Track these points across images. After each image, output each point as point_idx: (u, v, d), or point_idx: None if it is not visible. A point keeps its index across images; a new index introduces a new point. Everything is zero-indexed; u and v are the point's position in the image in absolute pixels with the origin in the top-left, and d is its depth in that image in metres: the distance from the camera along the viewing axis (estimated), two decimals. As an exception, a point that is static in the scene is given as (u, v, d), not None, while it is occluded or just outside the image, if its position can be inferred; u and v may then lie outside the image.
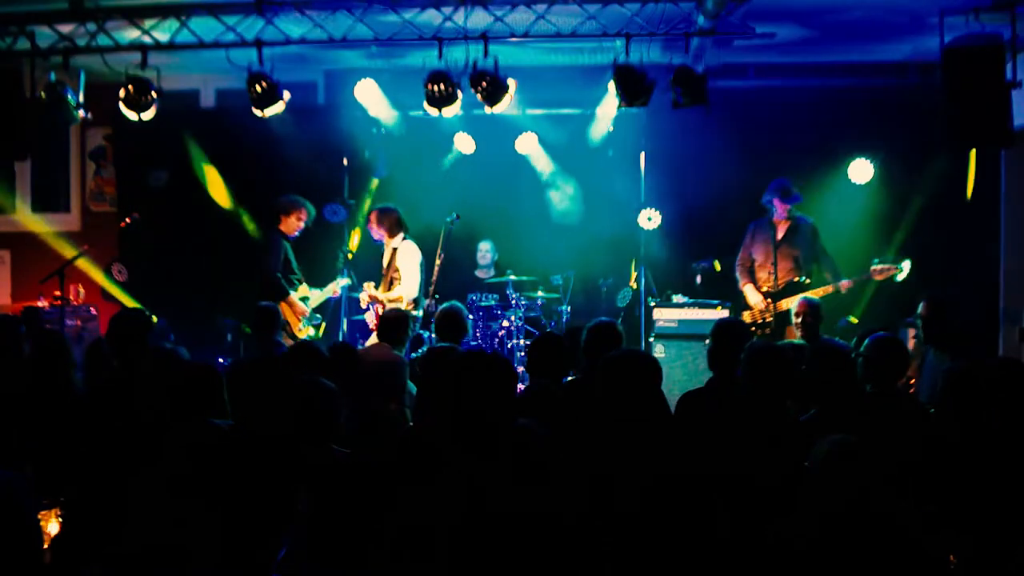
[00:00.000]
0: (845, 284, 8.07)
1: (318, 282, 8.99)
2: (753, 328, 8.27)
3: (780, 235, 8.39)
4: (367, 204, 10.03)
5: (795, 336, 7.56)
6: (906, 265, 7.96)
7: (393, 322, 6.74)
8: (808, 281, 8.25)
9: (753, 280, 8.47)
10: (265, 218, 8.80)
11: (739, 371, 4.65)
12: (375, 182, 10.22)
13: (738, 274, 8.63)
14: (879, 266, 7.99)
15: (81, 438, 4.23)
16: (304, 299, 8.70)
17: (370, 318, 8.68)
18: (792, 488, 3.61)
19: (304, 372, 4.40)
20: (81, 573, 3.75)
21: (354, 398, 4.97)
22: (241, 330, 9.24)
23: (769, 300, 8.30)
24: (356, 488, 3.64)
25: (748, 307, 8.44)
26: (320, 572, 3.63)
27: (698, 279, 9.20)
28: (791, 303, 8.08)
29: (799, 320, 7.06)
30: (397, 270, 8.58)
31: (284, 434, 3.88)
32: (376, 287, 8.58)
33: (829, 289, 8.10)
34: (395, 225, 8.63)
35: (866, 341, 4.94)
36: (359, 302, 8.86)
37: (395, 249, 8.66)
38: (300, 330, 8.53)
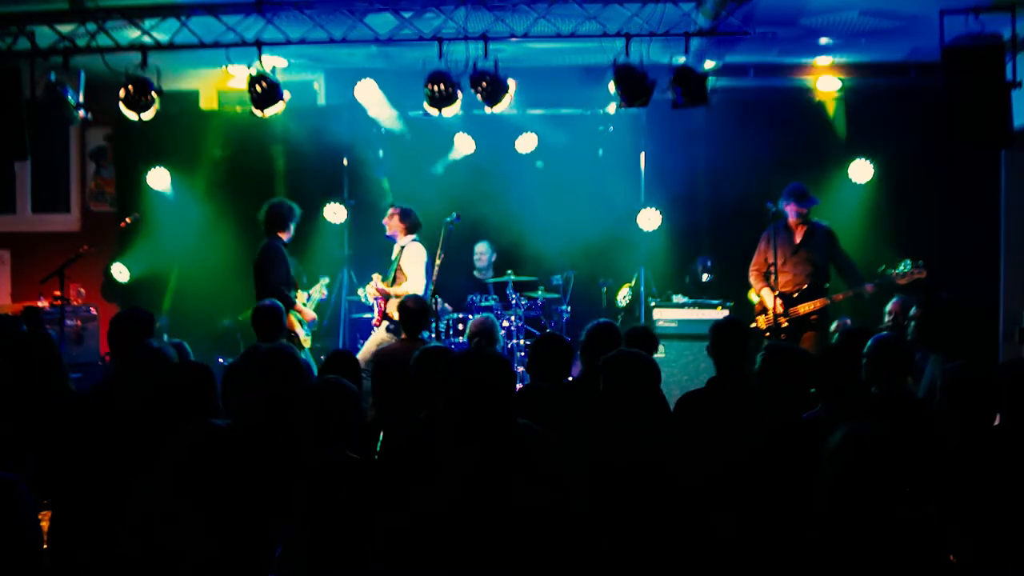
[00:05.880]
0: (869, 288, 7.91)
1: (313, 283, 8.94)
2: (767, 333, 8.10)
3: (798, 239, 8.20)
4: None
5: (811, 342, 7.51)
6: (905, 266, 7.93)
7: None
8: (827, 285, 8.17)
9: (769, 284, 8.20)
10: (260, 224, 8.62)
11: (754, 369, 4.64)
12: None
13: (752, 279, 8.38)
14: (904, 272, 7.83)
15: (78, 439, 4.22)
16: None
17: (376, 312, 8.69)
18: (801, 485, 3.58)
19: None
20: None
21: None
22: (244, 331, 9.21)
23: (785, 304, 8.09)
24: (354, 486, 3.64)
25: (764, 311, 8.19)
26: (317, 570, 3.62)
27: (704, 277, 9.18)
28: (809, 307, 8.03)
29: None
30: (402, 269, 8.60)
31: (282, 433, 3.87)
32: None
33: (850, 292, 8.02)
34: (413, 226, 8.66)
35: (869, 342, 4.91)
36: (360, 301, 8.84)
37: (403, 248, 8.68)
38: (304, 339, 8.41)
